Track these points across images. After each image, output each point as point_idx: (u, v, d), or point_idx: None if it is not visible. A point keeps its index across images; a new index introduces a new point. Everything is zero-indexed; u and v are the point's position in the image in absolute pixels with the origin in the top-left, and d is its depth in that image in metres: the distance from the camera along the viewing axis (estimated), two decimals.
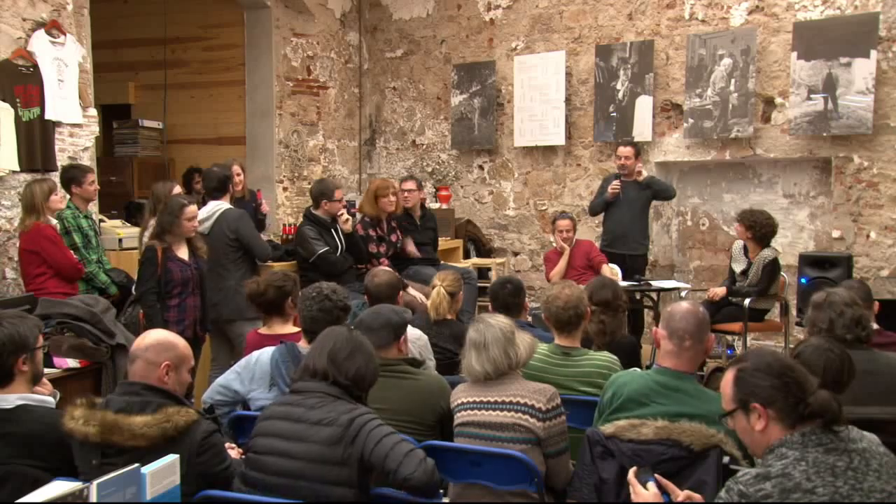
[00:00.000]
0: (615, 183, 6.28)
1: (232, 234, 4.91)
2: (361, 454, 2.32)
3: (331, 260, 5.29)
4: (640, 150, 6.53)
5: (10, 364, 2.43)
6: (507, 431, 2.67)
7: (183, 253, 4.48)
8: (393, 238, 5.83)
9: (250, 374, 3.23)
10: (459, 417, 2.79)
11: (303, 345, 3.25)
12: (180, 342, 2.52)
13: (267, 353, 3.24)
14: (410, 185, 6.23)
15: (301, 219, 5.75)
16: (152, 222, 4.87)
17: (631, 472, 2.19)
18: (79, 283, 4.76)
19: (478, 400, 2.75)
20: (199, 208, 4.74)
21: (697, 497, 2.14)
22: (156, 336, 2.50)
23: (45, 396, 2.61)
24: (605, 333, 3.67)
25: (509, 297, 3.78)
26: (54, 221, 4.58)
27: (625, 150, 6.33)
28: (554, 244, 6.38)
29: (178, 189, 5.08)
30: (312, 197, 5.56)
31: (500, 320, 2.87)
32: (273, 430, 2.43)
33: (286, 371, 3.10)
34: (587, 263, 6.08)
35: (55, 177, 5.04)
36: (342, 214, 5.46)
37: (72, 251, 4.70)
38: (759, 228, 5.54)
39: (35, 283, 4.46)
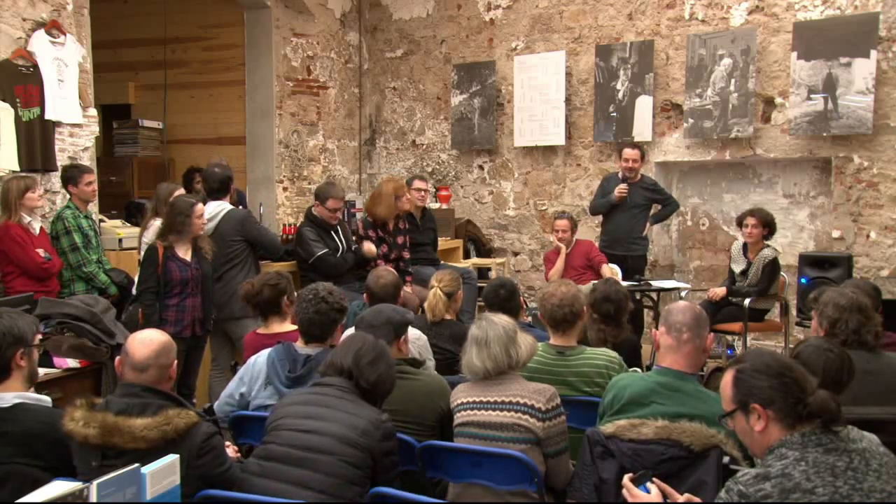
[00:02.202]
0: (622, 186, 6.22)
1: (239, 236, 4.91)
2: (377, 457, 2.46)
3: (330, 262, 5.28)
4: (644, 152, 6.52)
5: (8, 356, 2.43)
6: (507, 431, 2.66)
7: (185, 253, 4.46)
8: (399, 240, 5.76)
9: (251, 376, 3.24)
10: (459, 417, 2.78)
11: (300, 345, 3.25)
12: (166, 336, 2.54)
13: (265, 354, 3.25)
14: (424, 184, 6.24)
15: (301, 219, 5.74)
16: (153, 222, 4.87)
17: (626, 478, 2.19)
18: (79, 282, 4.77)
19: (478, 400, 2.75)
20: None
21: (697, 500, 2.14)
22: (157, 340, 2.47)
23: (41, 395, 2.61)
24: (605, 341, 3.65)
25: (505, 302, 3.77)
26: (28, 219, 4.51)
27: (632, 153, 6.27)
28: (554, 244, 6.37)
29: (180, 191, 5.06)
30: (315, 196, 5.56)
31: (503, 319, 2.86)
32: (301, 413, 2.53)
33: (282, 369, 3.10)
34: (587, 263, 6.06)
35: (55, 177, 5.05)
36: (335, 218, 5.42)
37: (71, 251, 4.70)
38: (772, 223, 5.71)
39: (4, 282, 4.46)
